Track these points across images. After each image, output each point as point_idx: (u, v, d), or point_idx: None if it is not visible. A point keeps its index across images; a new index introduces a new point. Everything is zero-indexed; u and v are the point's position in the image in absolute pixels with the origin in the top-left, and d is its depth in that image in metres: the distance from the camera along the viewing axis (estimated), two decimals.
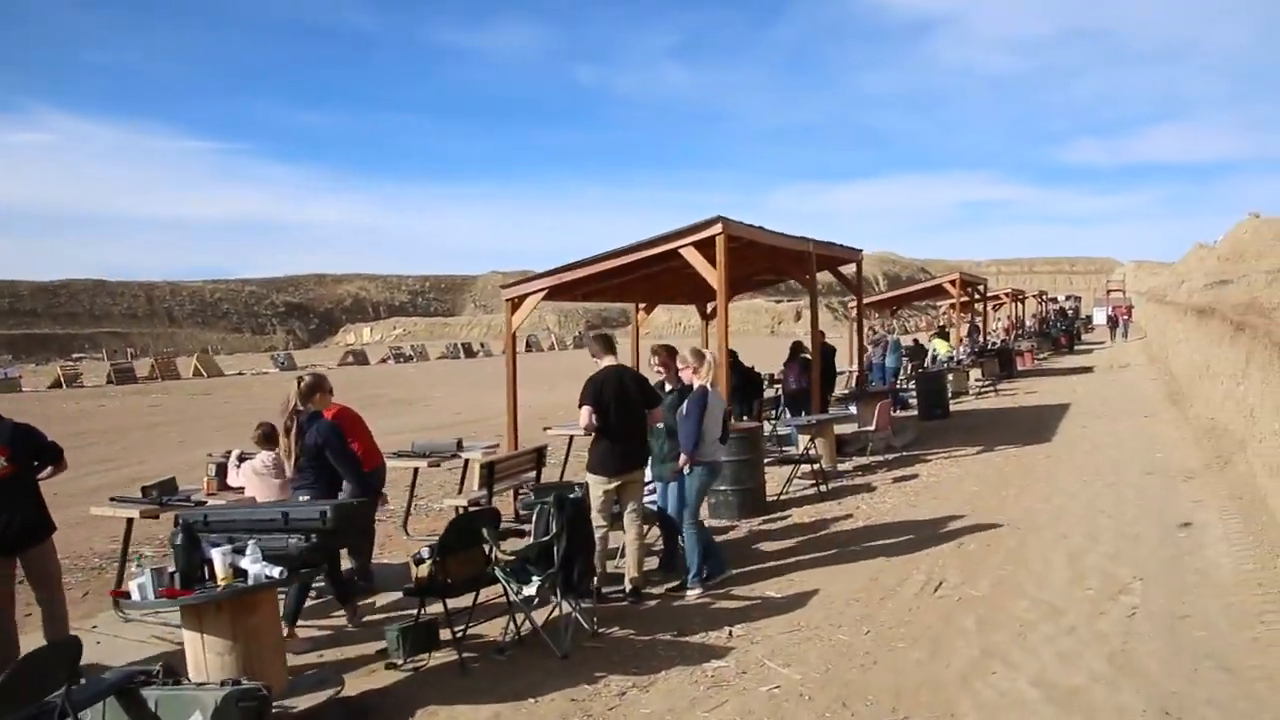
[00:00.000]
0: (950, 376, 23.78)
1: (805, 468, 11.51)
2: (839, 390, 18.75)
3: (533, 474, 10.51)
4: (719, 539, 9.32)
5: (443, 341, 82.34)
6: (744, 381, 16.01)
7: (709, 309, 18.52)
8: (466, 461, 10.85)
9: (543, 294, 12.79)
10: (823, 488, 11.27)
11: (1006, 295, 39.17)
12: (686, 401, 7.37)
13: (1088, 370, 28.90)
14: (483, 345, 69.90)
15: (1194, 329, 18.92)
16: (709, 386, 7.44)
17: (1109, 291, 72.95)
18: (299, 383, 7.19)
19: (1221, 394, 13.30)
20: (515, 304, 13.11)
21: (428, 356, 65.45)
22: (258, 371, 52.31)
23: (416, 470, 10.69)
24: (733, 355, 16.49)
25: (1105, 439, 14.13)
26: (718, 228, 11.30)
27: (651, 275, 14.07)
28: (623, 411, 7.15)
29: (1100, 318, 57.64)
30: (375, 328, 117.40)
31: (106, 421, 25.69)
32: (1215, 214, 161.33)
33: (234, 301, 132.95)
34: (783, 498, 11.05)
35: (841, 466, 13.14)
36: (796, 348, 15.69)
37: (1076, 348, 41.01)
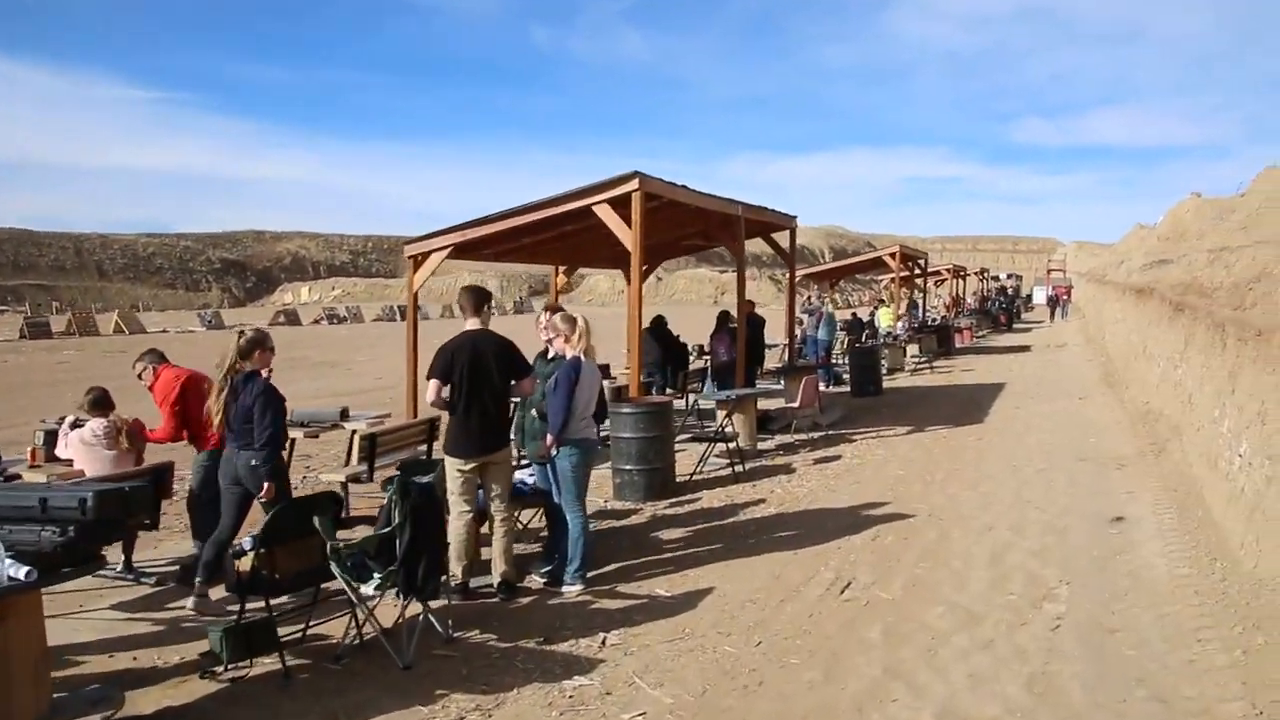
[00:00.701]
0: (886, 352, 23.31)
1: (722, 446, 10.73)
2: (772, 364, 18.06)
3: (424, 447, 9.60)
4: (620, 523, 8.55)
5: (381, 304, 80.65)
6: (669, 352, 15.25)
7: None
8: (353, 434, 9.90)
9: (447, 251, 11.83)
10: (739, 468, 10.51)
11: (948, 271, 38.82)
12: (556, 374, 6.51)
13: (1025, 349, 28.60)
14: (420, 308, 68.31)
15: (1132, 309, 18.49)
16: (581, 357, 6.57)
17: (1049, 271, 73.46)
18: (239, 337, 6.22)
19: (1158, 376, 12.79)
20: (418, 261, 12.18)
21: (362, 318, 63.92)
22: (183, 329, 50.41)
23: (293, 441, 9.71)
24: (658, 324, 15.74)
25: (1038, 421, 13.58)
26: (633, 184, 10.42)
27: (569, 235, 13.16)
28: (477, 384, 6.24)
29: (1040, 297, 57.86)
30: (314, 287, 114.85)
31: (6, 378, 24.20)
32: (1157, 197, 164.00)
33: (168, 256, 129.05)
34: (695, 478, 10.28)
35: (763, 445, 12.41)
36: (723, 318, 14.89)
37: (1016, 326, 40.92)
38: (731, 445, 10.71)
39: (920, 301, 33.14)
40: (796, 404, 12.74)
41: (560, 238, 13.34)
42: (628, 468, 9.63)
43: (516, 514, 6.97)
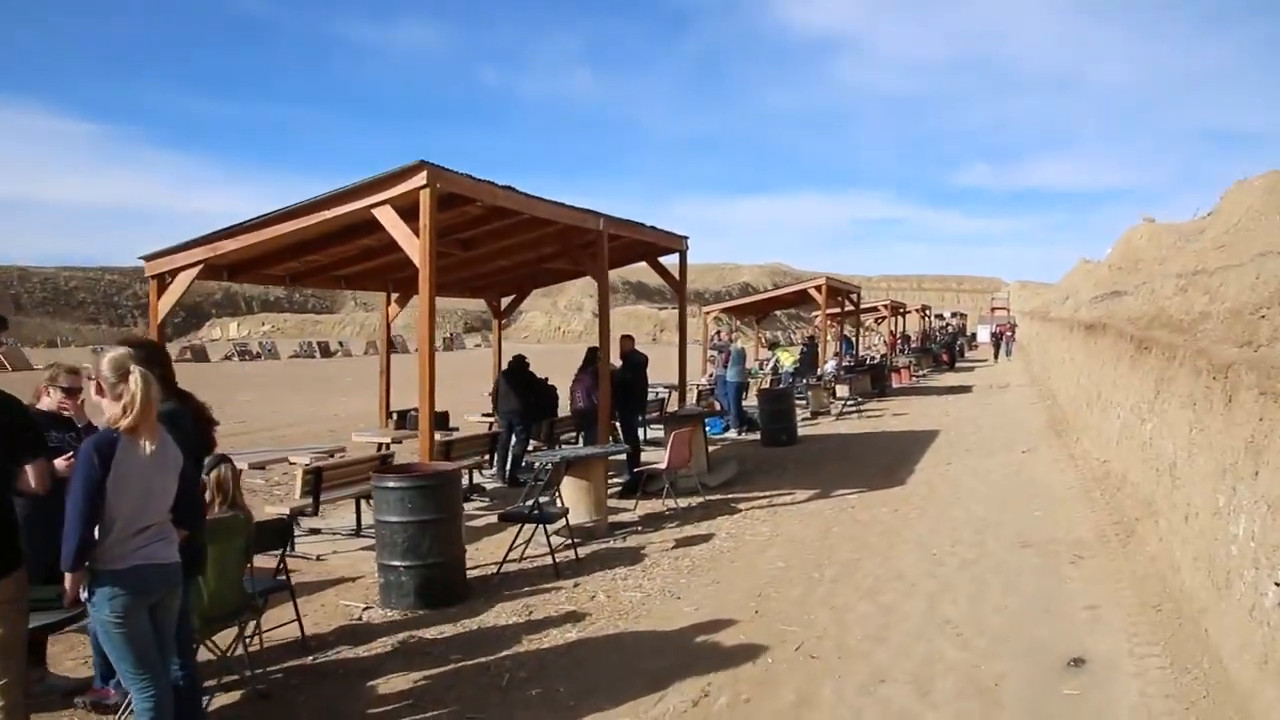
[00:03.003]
0: (810, 394, 20.73)
1: (551, 525, 7.93)
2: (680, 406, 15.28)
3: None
4: (365, 649, 5.71)
5: (313, 338, 77.34)
6: (529, 397, 12.46)
7: (501, 303, 14.88)
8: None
9: (197, 269, 8.99)
10: (569, 556, 7.73)
11: (885, 308, 36.46)
12: (76, 458, 3.67)
13: (966, 390, 26.19)
14: (341, 344, 64.88)
15: (1081, 348, 16.05)
16: (121, 429, 3.66)
17: (993, 309, 71.91)
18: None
19: (1118, 430, 10.22)
20: (163, 282, 9.28)
21: (278, 354, 60.40)
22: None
23: None
24: (518, 365, 12.93)
25: (972, 483, 10.94)
26: (419, 178, 7.75)
27: (376, 252, 10.36)
28: None
29: (984, 335, 55.96)
30: (243, 323, 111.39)
31: None
32: (1098, 238, 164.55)
33: (91, 291, 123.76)
34: (504, 572, 7.49)
35: (623, 516, 9.66)
36: (590, 355, 12.08)
37: (958, 365, 38.69)
38: (555, 526, 7.91)
39: (854, 338, 30.71)
40: (664, 465, 9.99)
41: (366, 254, 10.53)
42: (394, 564, 6.81)
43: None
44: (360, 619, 6.52)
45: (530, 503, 7.76)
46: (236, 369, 48.85)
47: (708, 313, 24.19)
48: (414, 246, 7.89)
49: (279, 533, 5.92)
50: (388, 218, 7.97)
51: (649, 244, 12.81)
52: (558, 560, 7.75)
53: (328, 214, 8.22)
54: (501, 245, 11.29)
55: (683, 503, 10.18)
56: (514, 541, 7.76)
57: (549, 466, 8.24)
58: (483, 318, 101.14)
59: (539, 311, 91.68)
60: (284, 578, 5.88)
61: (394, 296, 12.69)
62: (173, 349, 64.23)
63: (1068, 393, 17.48)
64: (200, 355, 56.38)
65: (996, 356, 41.69)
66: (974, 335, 62.89)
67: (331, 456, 10.22)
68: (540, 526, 7.71)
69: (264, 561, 5.65)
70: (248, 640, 5.18)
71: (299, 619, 5.96)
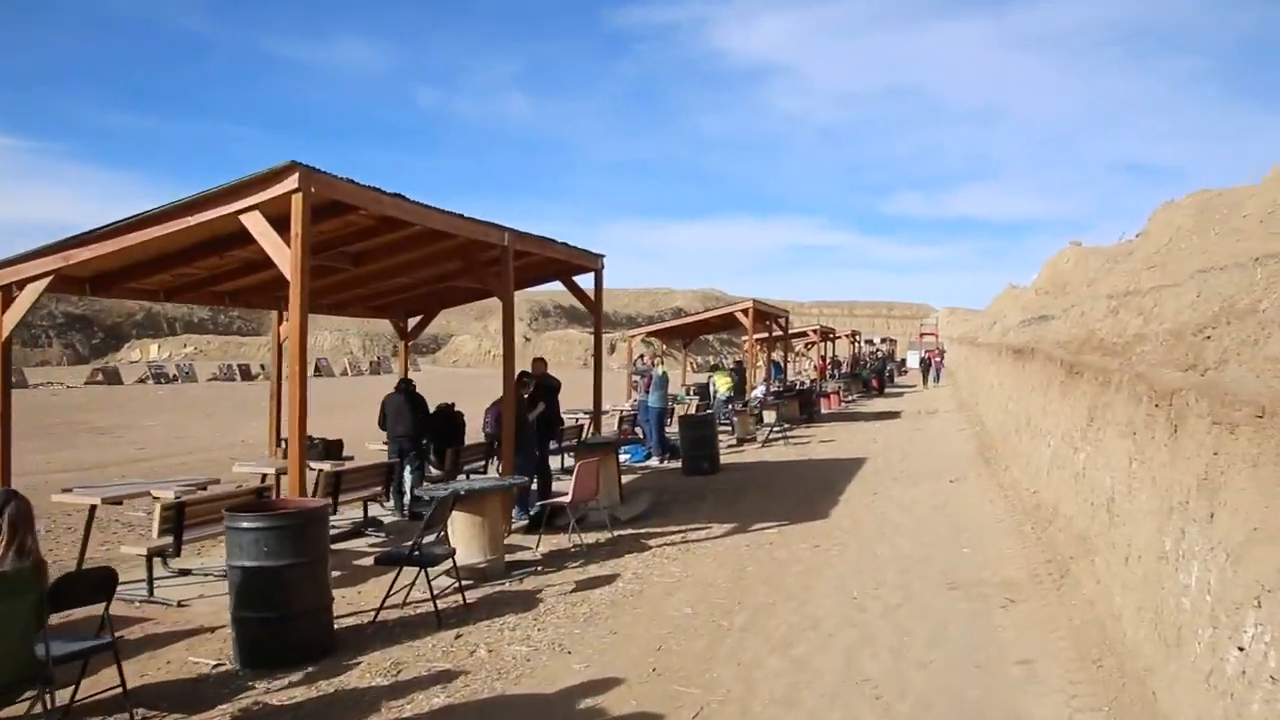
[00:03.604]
0: (735, 420, 20.15)
1: (434, 569, 7.12)
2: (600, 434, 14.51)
3: None
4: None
5: (236, 361, 75.11)
6: (426, 422, 11.64)
7: (409, 323, 14.02)
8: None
9: (47, 279, 8.04)
10: (445, 606, 6.92)
11: (814, 333, 36.18)
12: None
13: (895, 416, 25.87)
14: (263, 367, 62.81)
15: (1010, 373, 15.68)
16: None
17: (922, 335, 72.57)
18: None
19: (1048, 459, 9.72)
20: (8, 295, 8.31)
21: (195, 377, 58.26)
22: None
23: None
24: (406, 386, 12.06)
25: (898, 516, 10.36)
26: (291, 182, 6.95)
27: (259, 265, 9.47)
28: None
29: (914, 361, 56.18)
30: (164, 344, 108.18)
31: None
32: (1025, 267, 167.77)
33: None
34: (382, 620, 6.67)
35: (524, 555, 8.88)
36: (520, 379, 11.25)
37: (888, 391, 38.55)
38: (439, 570, 7.11)
39: (782, 363, 30.31)
40: (569, 498, 9.23)
41: (249, 268, 9.64)
42: (247, 615, 5.94)
43: None
44: (209, 677, 5.65)
45: (410, 543, 6.94)
46: (149, 392, 46.93)
47: (632, 336, 23.52)
48: (285, 258, 7.07)
49: (99, 584, 5.05)
50: (257, 225, 7.14)
51: (562, 262, 12.09)
52: (441, 608, 6.95)
53: (190, 220, 7.35)
54: (398, 260, 10.47)
55: (590, 538, 9.43)
56: (391, 587, 6.93)
57: (432, 502, 7.43)
58: (418, 341, 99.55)
59: (469, 335, 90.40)
60: (108, 637, 5.02)
61: (286, 315, 11.75)
62: (84, 371, 61.78)
63: (996, 419, 17.12)
64: (113, 378, 54.05)
65: (925, 382, 41.68)
66: (903, 361, 63.22)
67: (204, 489, 9.28)
68: (399, 572, 6.91)
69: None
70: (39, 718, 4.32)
71: (123, 684, 5.08)
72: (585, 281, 13.06)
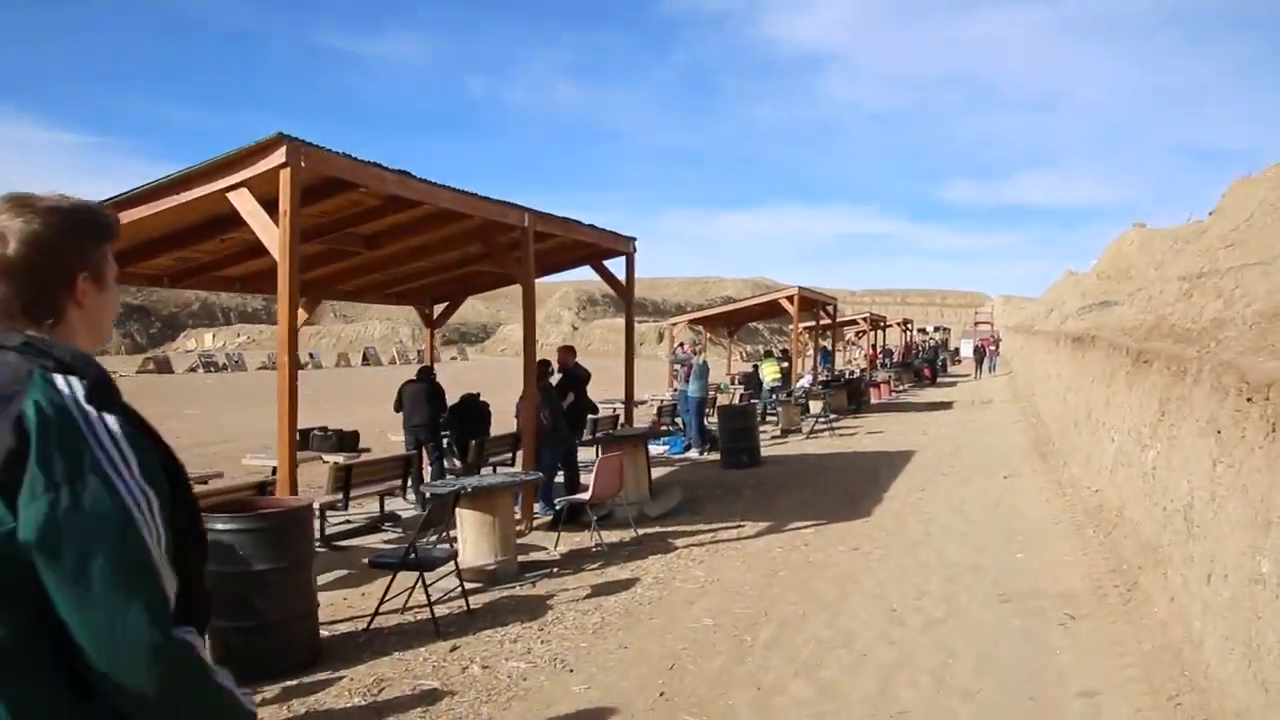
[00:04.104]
0: (780, 410, 19.42)
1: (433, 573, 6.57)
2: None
3: None
4: None
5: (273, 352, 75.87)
6: (442, 410, 11.17)
7: (434, 310, 13.53)
8: None
9: None
10: (450, 611, 6.37)
11: (865, 321, 35.19)
12: None
13: (947, 406, 24.92)
14: (311, 356, 63.20)
15: (1068, 362, 14.79)
16: None
17: (976, 323, 70.93)
18: None
19: (1112, 456, 8.92)
20: None
21: (245, 366, 58.68)
22: None
23: None
24: (424, 374, 11.58)
25: (946, 516, 9.62)
26: (277, 155, 6.44)
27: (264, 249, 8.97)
28: None
29: (967, 350, 54.80)
30: (219, 334, 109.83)
31: None
32: (1081, 254, 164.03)
33: None
34: (376, 628, 6.14)
35: (538, 555, 8.31)
36: (542, 368, 10.70)
37: (940, 380, 37.47)
38: (445, 572, 6.56)
39: (832, 352, 29.46)
40: (587, 496, 8.63)
41: (254, 251, 9.15)
42: (221, 624, 5.42)
43: None
44: None
45: (407, 545, 6.39)
46: (198, 381, 47.41)
47: (673, 324, 22.87)
48: (273, 238, 6.55)
49: None
50: (245, 204, 6.66)
51: (591, 245, 11.50)
52: (443, 614, 6.42)
53: (176, 199, 6.90)
54: (414, 243, 9.94)
55: (614, 537, 8.85)
56: (386, 592, 6.38)
57: (435, 499, 6.87)
58: (460, 329, 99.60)
59: (517, 324, 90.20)
60: None
61: (302, 301, 11.29)
62: (136, 360, 62.59)
63: (1053, 411, 16.22)
64: (164, 367, 54.72)
65: (979, 372, 40.44)
66: (957, 350, 61.76)
67: (206, 483, 8.86)
68: (423, 574, 6.36)
69: None
70: None
71: None
72: (618, 268, 12.46)
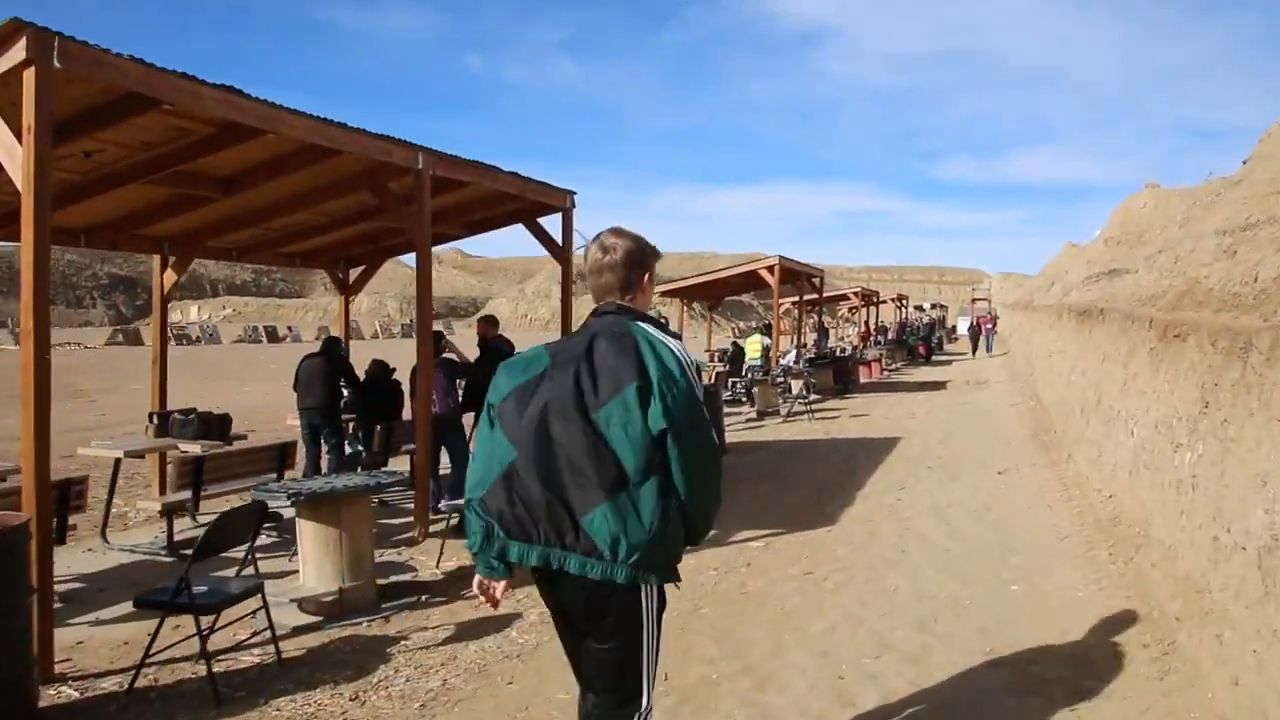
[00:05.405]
0: (755, 390, 17.71)
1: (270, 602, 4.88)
2: None
3: None
4: None
5: (274, 323, 74.33)
6: (341, 390, 9.50)
7: (349, 275, 11.78)
8: None
9: None
10: (254, 659, 4.68)
11: (856, 296, 33.39)
12: None
13: (940, 386, 23.23)
14: (290, 329, 61.47)
15: (1073, 339, 13.06)
16: None
17: (974, 300, 69.15)
18: None
19: (1131, 455, 7.21)
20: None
21: (219, 339, 57.06)
22: None
23: None
24: (329, 344, 9.94)
25: (927, 524, 7.92)
26: (18, 50, 4.73)
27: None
28: None
29: (964, 327, 53.04)
30: (204, 306, 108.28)
31: None
32: (1080, 230, 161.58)
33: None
34: (139, 687, 4.45)
35: (414, 576, 6.64)
36: (436, 340, 9.01)
37: (935, 359, 35.74)
38: (289, 602, 4.87)
39: (826, 329, 27.70)
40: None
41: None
42: None
43: None
44: None
45: (178, 579, 4.67)
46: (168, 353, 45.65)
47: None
48: (15, 161, 4.81)
49: None
50: None
51: (516, 198, 9.72)
52: (244, 667, 4.75)
53: None
54: (284, 188, 8.17)
55: None
56: (151, 644, 4.68)
57: (229, 518, 5.13)
58: (450, 304, 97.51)
59: (506, 299, 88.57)
60: None
61: (171, 261, 9.57)
62: (104, 332, 60.72)
63: (1055, 394, 14.51)
64: (134, 339, 52.88)
65: (975, 350, 38.65)
66: (953, 328, 60.04)
67: (4, 480, 7.14)
68: (198, 619, 4.67)
69: None
70: None
71: None
72: (554, 227, 10.66)
